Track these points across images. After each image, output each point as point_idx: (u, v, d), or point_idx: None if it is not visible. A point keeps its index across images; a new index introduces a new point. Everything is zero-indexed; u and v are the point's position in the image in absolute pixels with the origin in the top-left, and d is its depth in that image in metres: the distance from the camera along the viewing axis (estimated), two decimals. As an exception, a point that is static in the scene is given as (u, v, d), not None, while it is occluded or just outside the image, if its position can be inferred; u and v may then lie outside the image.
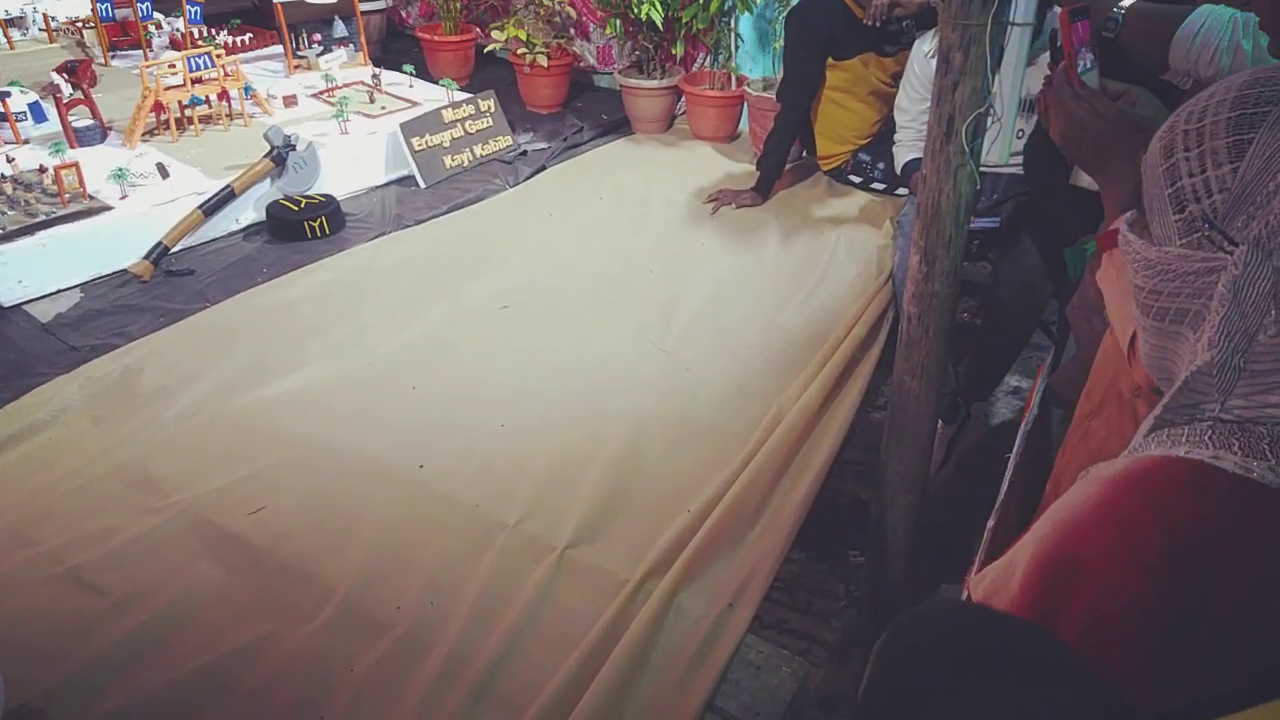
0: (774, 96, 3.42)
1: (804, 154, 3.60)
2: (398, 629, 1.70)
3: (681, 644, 1.69)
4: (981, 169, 1.68)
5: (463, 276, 2.91)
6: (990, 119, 1.68)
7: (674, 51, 3.96)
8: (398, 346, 2.55)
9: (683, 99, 4.08)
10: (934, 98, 1.63)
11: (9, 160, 3.01)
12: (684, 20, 3.78)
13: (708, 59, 4.06)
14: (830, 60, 3.18)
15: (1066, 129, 1.23)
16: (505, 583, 1.79)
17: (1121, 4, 1.80)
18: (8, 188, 2.86)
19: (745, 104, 3.88)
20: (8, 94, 3.32)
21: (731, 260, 3.02)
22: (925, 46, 2.78)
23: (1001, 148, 2.27)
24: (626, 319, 2.69)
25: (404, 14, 5.20)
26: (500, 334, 2.63)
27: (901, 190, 3.18)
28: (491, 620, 1.71)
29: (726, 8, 3.74)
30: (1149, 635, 0.71)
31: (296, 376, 2.40)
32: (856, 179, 3.38)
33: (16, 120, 3.27)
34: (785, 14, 3.31)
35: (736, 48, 3.93)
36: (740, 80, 3.93)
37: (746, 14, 3.81)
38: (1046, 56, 2.33)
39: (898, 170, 2.94)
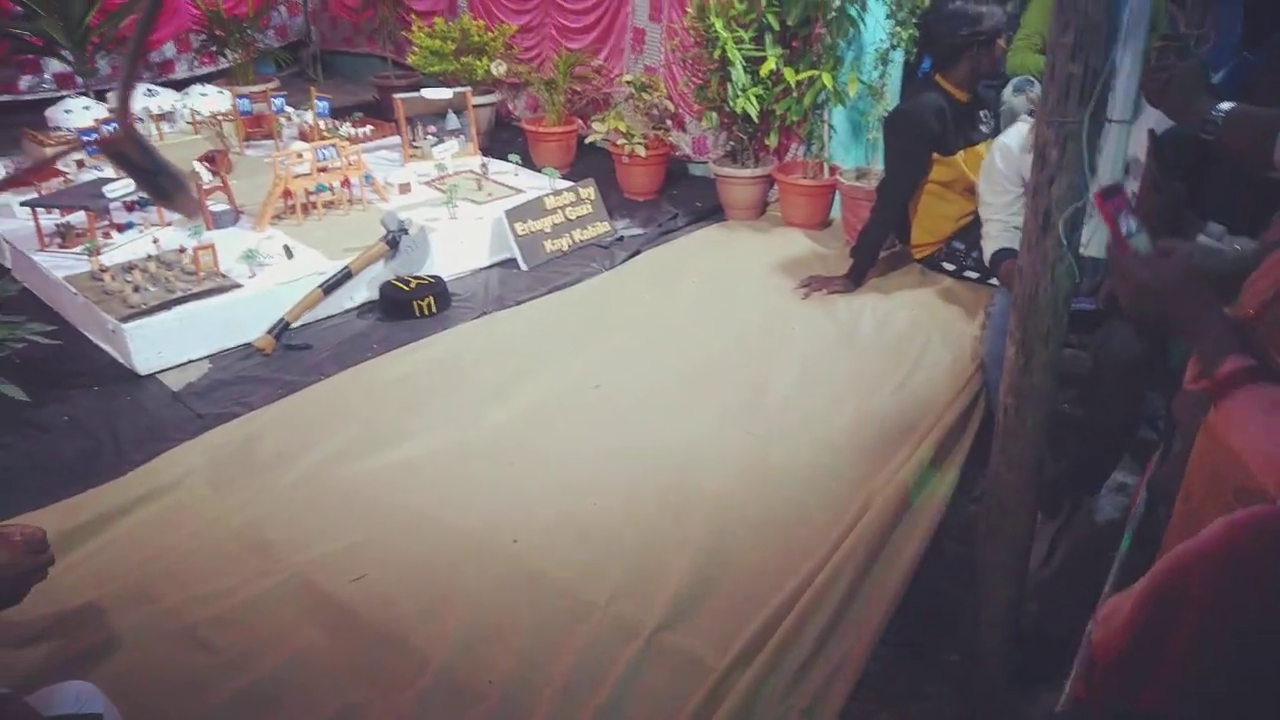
0: (873, 188, 3.46)
1: (896, 243, 3.63)
2: (489, 701, 1.74)
3: (769, 736, 1.67)
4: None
5: (559, 356, 3.02)
6: (1088, 212, 1.69)
7: (767, 142, 4.08)
8: (497, 423, 2.65)
9: (775, 187, 4.17)
10: (1030, 191, 1.65)
11: (154, 241, 3.30)
12: (778, 112, 3.91)
13: (800, 149, 4.16)
14: (935, 156, 3.23)
15: (1135, 298, 1.23)
16: (595, 661, 1.81)
17: (1220, 108, 1.80)
18: (151, 266, 3.12)
19: (838, 192, 3.95)
20: (156, 181, 3.65)
21: (822, 345, 3.04)
22: (1008, 140, 2.81)
23: (1101, 240, 2.25)
24: (716, 401, 2.73)
25: (511, 107, 5.51)
26: (593, 413, 2.70)
27: (995, 279, 3.16)
28: (581, 699, 1.73)
29: (820, 101, 3.85)
30: (1255, 664, 0.76)
31: (402, 448, 2.52)
32: (950, 266, 3.38)
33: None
34: (890, 113, 3.37)
35: (829, 138, 4.02)
36: (833, 170, 4.01)
37: (839, 106, 3.90)
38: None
39: (986, 261, 2.95)
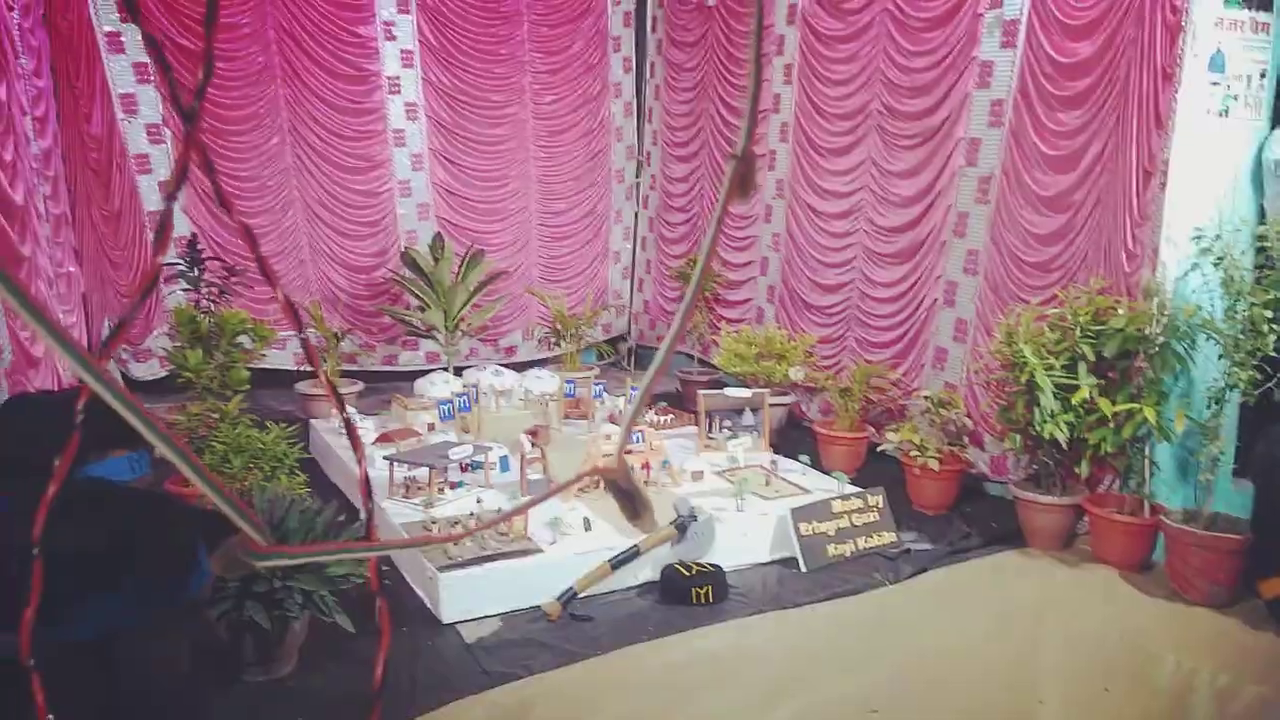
0: (1203, 532, 3.11)
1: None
2: None
3: None
4: None
5: (833, 668, 2.87)
6: None
7: (1077, 470, 3.84)
8: (763, 733, 2.52)
9: (1085, 518, 3.86)
10: None
11: (478, 501, 3.71)
12: (1091, 441, 3.70)
13: (1116, 481, 3.86)
14: None
15: None
16: None
17: None
18: (470, 522, 3.49)
19: (1161, 534, 3.57)
20: (490, 448, 4.17)
21: (1142, 710, 2.62)
22: None
23: None
24: (1013, 756, 2.42)
25: (805, 408, 5.73)
26: (868, 742, 2.49)
27: None
28: None
29: (1140, 434, 3.61)
30: None
31: (663, 743, 2.46)
32: None
33: (490, 469, 4.06)
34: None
35: (1151, 475, 3.71)
36: (1155, 508, 3.66)
37: (1165, 443, 3.63)
38: None
39: None
